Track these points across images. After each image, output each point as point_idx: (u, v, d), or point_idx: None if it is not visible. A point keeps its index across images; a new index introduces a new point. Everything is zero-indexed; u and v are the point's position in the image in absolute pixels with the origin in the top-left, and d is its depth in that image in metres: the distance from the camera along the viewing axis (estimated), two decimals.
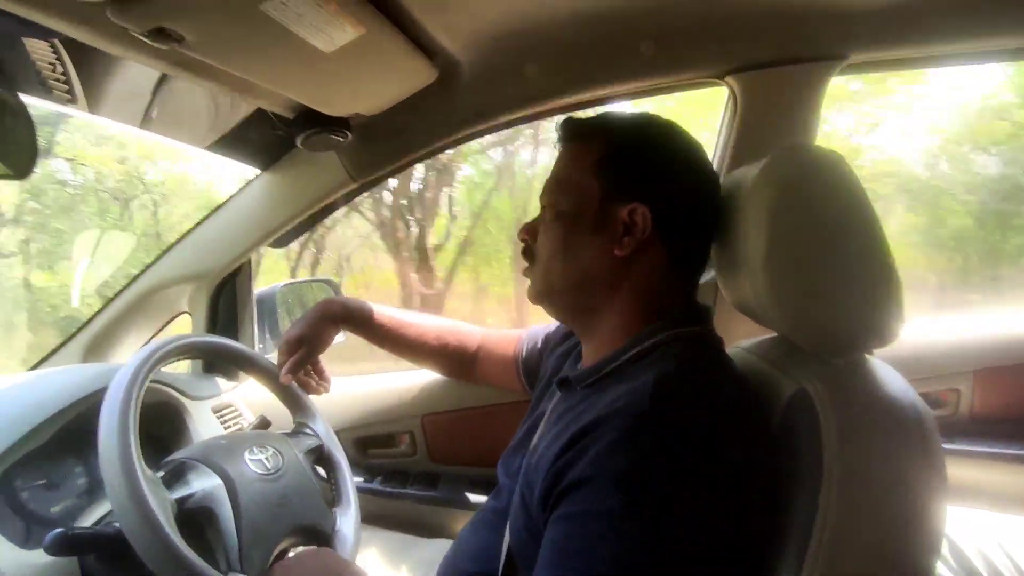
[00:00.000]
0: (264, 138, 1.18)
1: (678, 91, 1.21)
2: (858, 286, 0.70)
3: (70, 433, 0.97)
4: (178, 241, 1.33)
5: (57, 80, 0.92)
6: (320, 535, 0.95)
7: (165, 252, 1.33)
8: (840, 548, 0.63)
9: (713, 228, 0.81)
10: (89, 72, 0.94)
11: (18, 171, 0.75)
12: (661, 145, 0.81)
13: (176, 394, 1.15)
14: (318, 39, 0.80)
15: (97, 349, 1.35)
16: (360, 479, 1.39)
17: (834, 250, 0.70)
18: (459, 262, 5.11)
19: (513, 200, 5.04)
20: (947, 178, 3.99)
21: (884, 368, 0.74)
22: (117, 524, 0.78)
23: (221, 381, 1.33)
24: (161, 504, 0.75)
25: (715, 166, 1.18)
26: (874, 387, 0.70)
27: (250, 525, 0.84)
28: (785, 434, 0.70)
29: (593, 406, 0.71)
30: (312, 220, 1.31)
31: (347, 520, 1.02)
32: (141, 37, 0.71)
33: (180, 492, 0.81)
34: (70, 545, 0.77)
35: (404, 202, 5.05)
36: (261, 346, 1.42)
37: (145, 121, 1.06)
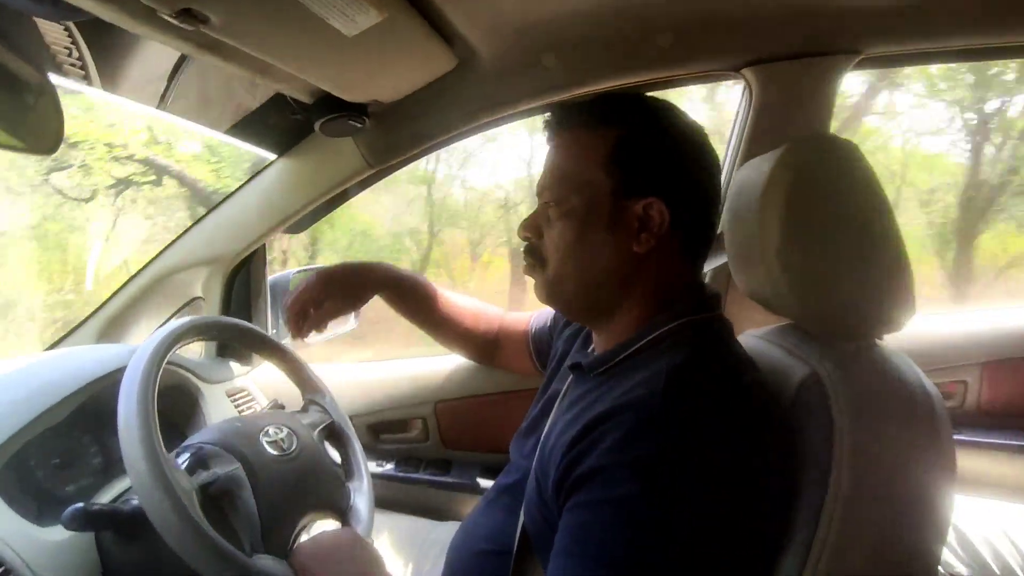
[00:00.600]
0: (281, 123, 1.18)
1: (694, 83, 1.22)
2: (871, 273, 0.71)
3: (86, 412, 0.98)
4: (193, 225, 1.33)
5: (73, 65, 0.92)
6: (336, 511, 0.96)
7: (180, 236, 1.34)
8: (849, 530, 0.64)
9: (718, 211, 0.82)
10: (106, 54, 0.94)
11: (43, 148, 0.76)
12: (672, 133, 0.79)
13: (191, 377, 1.16)
14: (341, 22, 0.80)
15: (111, 331, 1.36)
16: (373, 464, 1.40)
17: (848, 237, 0.71)
18: None
19: None
20: None
21: (895, 353, 0.75)
22: (135, 501, 0.79)
23: (235, 365, 1.34)
24: (184, 490, 0.75)
25: (729, 157, 1.19)
26: (885, 371, 0.72)
27: (270, 506, 0.85)
28: (796, 416, 0.71)
29: (606, 395, 0.72)
30: (328, 206, 1.31)
31: (361, 495, 1.03)
32: (167, 18, 0.71)
33: (202, 478, 0.81)
34: (89, 520, 0.78)
35: None
36: (274, 331, 1.42)
37: (162, 103, 1.06)
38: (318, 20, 0.78)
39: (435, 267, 5.23)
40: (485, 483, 1.34)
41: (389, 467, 1.40)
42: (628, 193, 0.76)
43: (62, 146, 0.76)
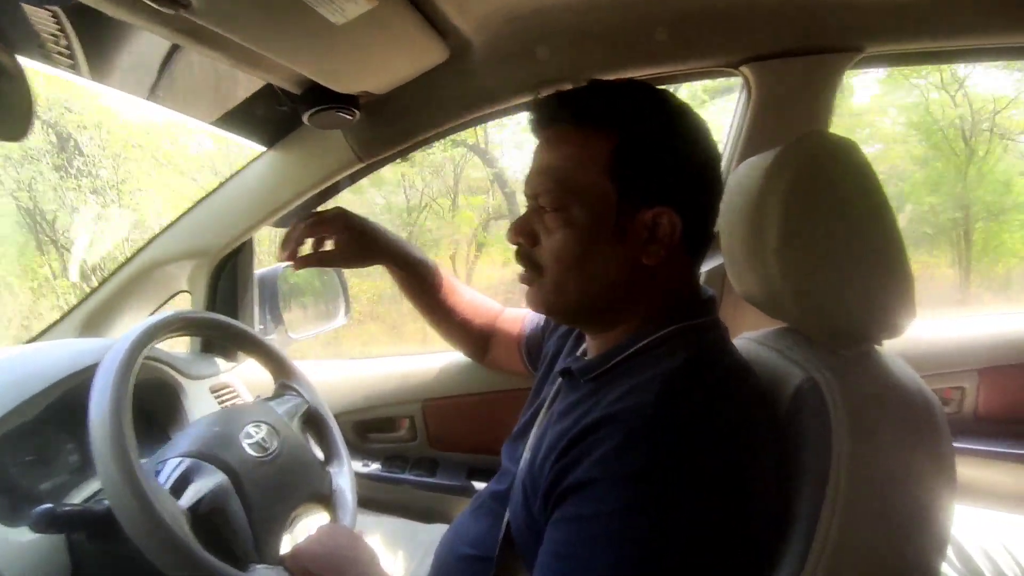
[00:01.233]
0: (270, 115, 1.16)
1: (692, 80, 1.20)
2: (870, 276, 0.70)
3: (62, 408, 0.95)
4: (180, 217, 1.31)
5: (61, 53, 0.90)
6: (321, 498, 0.96)
7: (167, 227, 1.32)
8: (846, 541, 0.62)
9: (717, 213, 0.78)
10: (95, 43, 0.92)
11: (12, 134, 0.73)
12: (677, 133, 0.73)
13: (172, 372, 1.14)
14: (328, 10, 0.78)
15: (93, 325, 1.34)
16: (359, 464, 1.38)
17: (847, 240, 0.69)
18: None
19: None
20: None
21: (893, 359, 0.74)
22: (107, 502, 0.77)
23: (220, 361, 1.32)
24: (172, 515, 0.73)
25: (727, 156, 1.18)
26: (884, 377, 0.70)
27: (260, 512, 0.84)
28: (792, 423, 0.70)
29: (598, 404, 0.70)
30: (317, 200, 1.29)
31: (342, 476, 1.03)
32: (148, 1, 0.69)
33: (189, 499, 0.79)
34: (57, 522, 0.75)
35: None
36: (261, 327, 1.40)
37: (152, 93, 1.04)
38: (304, 7, 0.76)
39: None
40: (472, 484, 1.32)
41: (375, 467, 1.38)
42: (635, 202, 0.71)
43: None
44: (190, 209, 1.31)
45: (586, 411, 0.70)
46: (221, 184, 1.30)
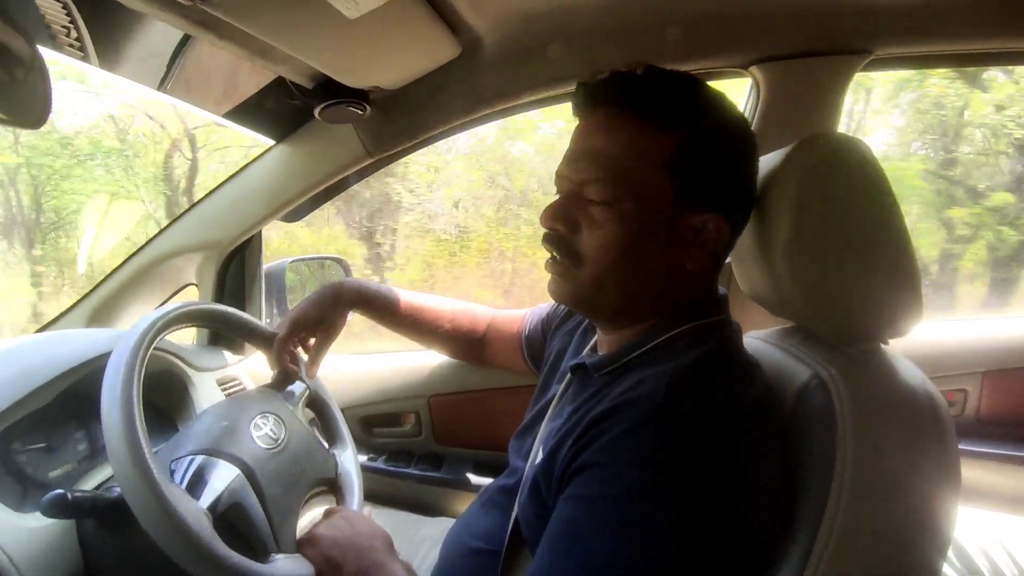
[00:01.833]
0: (281, 108, 1.16)
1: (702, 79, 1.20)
2: (878, 276, 0.69)
3: (72, 397, 0.96)
4: (189, 209, 1.32)
5: (72, 45, 0.91)
6: (328, 482, 0.97)
7: (175, 220, 1.32)
8: (850, 538, 0.63)
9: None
10: (106, 33, 0.92)
11: (30, 121, 0.74)
12: (733, 139, 0.71)
13: (180, 363, 1.14)
14: (343, 3, 0.78)
15: (102, 316, 1.34)
16: (364, 457, 1.39)
17: (856, 239, 0.69)
18: None
19: None
20: None
21: (900, 359, 0.74)
22: (117, 489, 0.77)
23: (227, 354, 1.32)
24: (194, 517, 0.73)
25: None
26: (890, 376, 0.70)
27: (275, 503, 0.84)
28: (798, 421, 0.70)
29: (610, 394, 0.70)
30: (326, 194, 1.29)
31: (346, 456, 1.04)
32: None
33: (208, 499, 0.79)
34: (68, 508, 0.76)
35: None
36: (268, 320, 1.41)
37: (163, 84, 1.04)
38: (320, 0, 0.76)
39: None
40: (476, 480, 1.33)
41: (380, 461, 1.38)
42: (688, 205, 0.69)
43: None
44: (199, 202, 1.32)
45: (598, 402, 0.71)
46: (230, 177, 1.30)
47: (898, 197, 0.72)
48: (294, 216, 1.35)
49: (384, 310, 1.18)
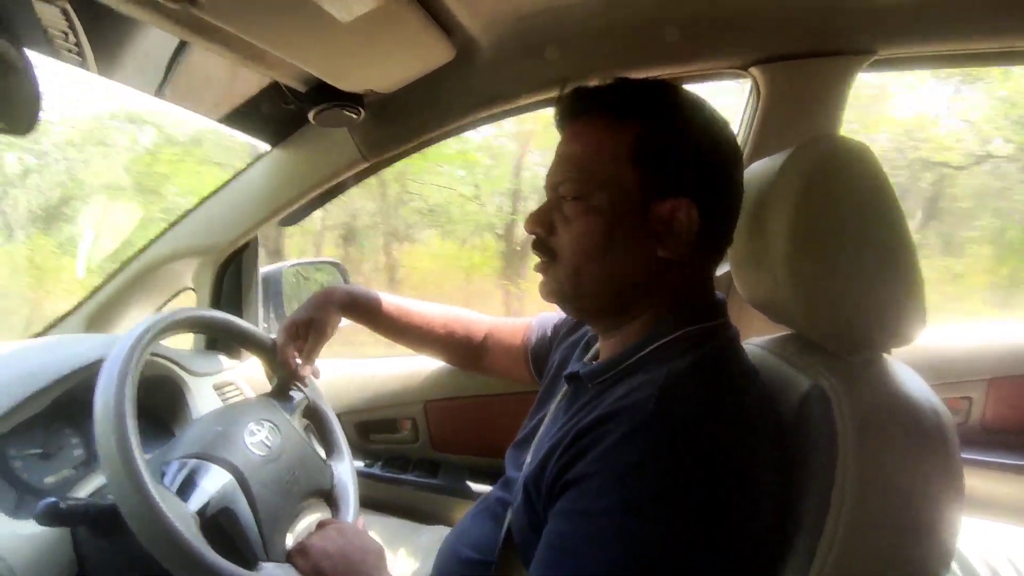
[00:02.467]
0: (276, 113, 1.16)
1: (701, 81, 1.19)
2: (880, 283, 0.68)
3: (68, 403, 0.96)
4: (185, 214, 1.32)
5: (70, 50, 0.91)
6: (324, 493, 0.97)
7: (172, 225, 1.32)
8: (851, 550, 0.61)
9: (739, 213, 0.77)
10: (104, 39, 0.92)
11: (18, 128, 0.74)
12: (703, 129, 0.72)
13: (176, 369, 1.15)
14: (335, 7, 0.78)
15: (100, 321, 1.34)
16: (360, 464, 1.38)
17: (858, 245, 0.68)
18: None
19: None
20: None
21: (902, 367, 0.73)
22: (111, 497, 0.77)
23: (223, 359, 1.32)
24: (182, 519, 0.73)
25: None
26: (892, 385, 0.69)
27: (266, 511, 0.83)
28: (798, 430, 0.69)
29: (603, 402, 0.69)
30: (322, 198, 1.29)
31: (343, 468, 1.03)
32: None
33: (197, 502, 0.79)
34: (62, 515, 0.76)
35: None
36: (265, 325, 1.41)
37: (159, 90, 1.04)
38: (311, 4, 0.76)
39: None
40: (474, 487, 1.32)
41: (376, 467, 1.38)
42: (654, 193, 0.70)
43: None
44: (196, 207, 1.32)
45: (591, 410, 0.70)
46: (226, 182, 1.30)
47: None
48: (290, 220, 1.35)
49: (372, 314, 1.17)
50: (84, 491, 0.95)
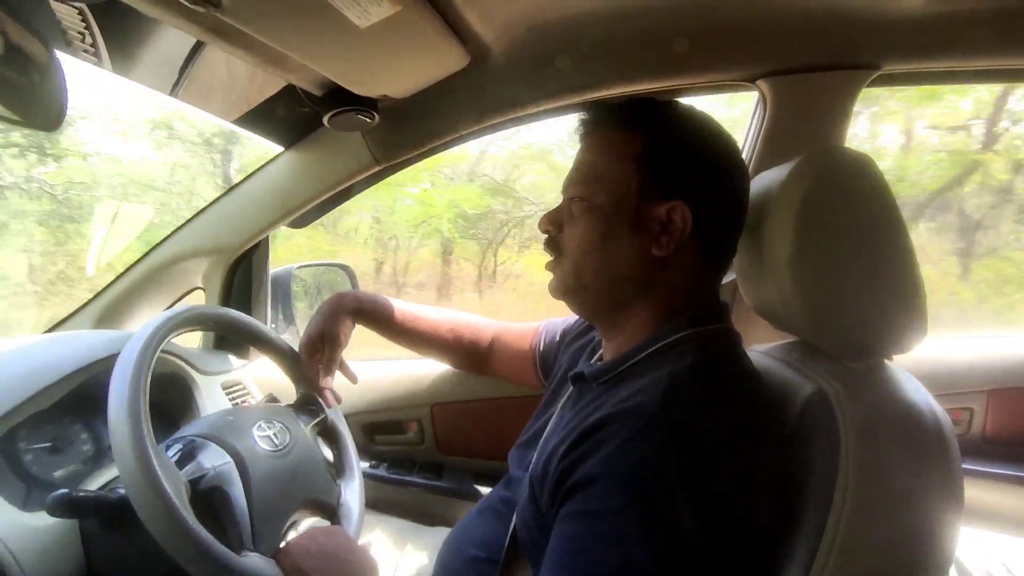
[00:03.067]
0: (290, 115, 1.17)
1: (709, 93, 1.21)
2: (884, 290, 0.70)
3: (78, 398, 0.97)
4: (197, 214, 1.33)
5: (87, 51, 0.92)
6: (327, 508, 0.96)
7: (184, 224, 1.33)
8: (851, 551, 0.62)
9: (743, 225, 0.80)
10: (121, 39, 0.93)
11: (47, 124, 0.75)
12: (704, 140, 0.78)
13: (186, 367, 1.15)
14: (354, 12, 0.79)
15: (109, 318, 1.35)
16: (366, 465, 1.38)
17: (862, 254, 0.70)
18: None
19: None
20: None
21: (904, 374, 0.74)
22: (121, 490, 0.77)
23: (232, 358, 1.33)
24: (174, 483, 0.74)
25: None
26: (894, 391, 0.70)
27: (261, 502, 0.84)
28: (800, 434, 0.70)
29: (607, 403, 0.71)
30: (333, 201, 1.30)
31: (352, 492, 1.02)
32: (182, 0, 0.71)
33: (192, 472, 0.80)
34: (73, 507, 0.77)
35: None
36: (273, 326, 1.41)
37: (174, 90, 1.06)
38: (331, 9, 0.77)
39: None
40: (478, 489, 1.32)
41: (381, 468, 1.38)
42: (653, 195, 0.75)
43: None
44: (208, 207, 1.33)
45: (595, 410, 0.71)
46: (239, 183, 1.32)
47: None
48: (301, 222, 1.36)
49: (383, 320, 1.19)
50: (92, 486, 0.96)
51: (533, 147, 5.51)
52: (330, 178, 1.24)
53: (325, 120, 1.10)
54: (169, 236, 1.34)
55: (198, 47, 0.99)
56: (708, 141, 0.78)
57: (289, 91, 1.10)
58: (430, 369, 1.39)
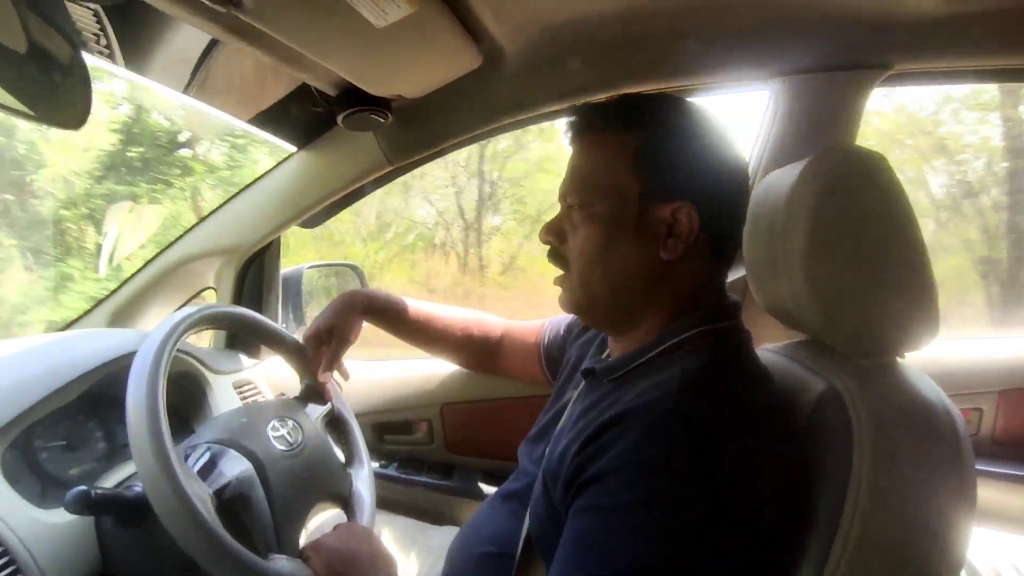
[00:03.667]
0: (304, 115, 1.18)
1: (720, 92, 1.21)
2: (895, 289, 0.69)
3: (93, 397, 0.97)
4: (210, 214, 1.33)
5: (101, 52, 0.93)
6: (340, 498, 0.97)
7: (196, 224, 1.34)
8: (865, 547, 0.62)
9: (746, 215, 0.79)
10: (135, 37, 0.94)
11: (70, 123, 0.76)
12: (701, 135, 0.76)
13: (199, 366, 1.15)
14: (371, 12, 0.80)
15: (122, 317, 1.36)
16: (376, 464, 1.38)
17: (874, 252, 0.69)
18: None
19: None
20: None
21: (915, 372, 0.73)
22: (138, 487, 0.78)
23: (243, 357, 1.33)
24: (200, 497, 0.74)
25: (752, 167, 1.18)
26: (906, 389, 0.70)
27: (282, 503, 0.84)
28: (813, 432, 0.70)
29: (620, 399, 0.71)
30: (344, 201, 1.31)
31: (362, 479, 1.03)
32: None
33: (216, 483, 0.80)
34: (91, 504, 0.77)
35: None
36: (284, 325, 1.42)
37: (188, 88, 1.06)
38: (349, 9, 0.78)
39: None
40: (488, 490, 1.32)
41: (391, 468, 1.39)
42: (656, 197, 0.73)
43: None
44: (220, 207, 1.33)
45: (608, 406, 0.71)
46: (251, 183, 1.32)
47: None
48: (312, 222, 1.36)
49: (393, 318, 1.20)
50: (107, 484, 0.96)
51: None
52: (342, 178, 1.25)
53: (339, 120, 1.10)
54: (181, 236, 1.35)
55: (212, 46, 1.00)
56: (705, 136, 0.76)
57: (303, 91, 1.11)
58: (440, 369, 1.39)
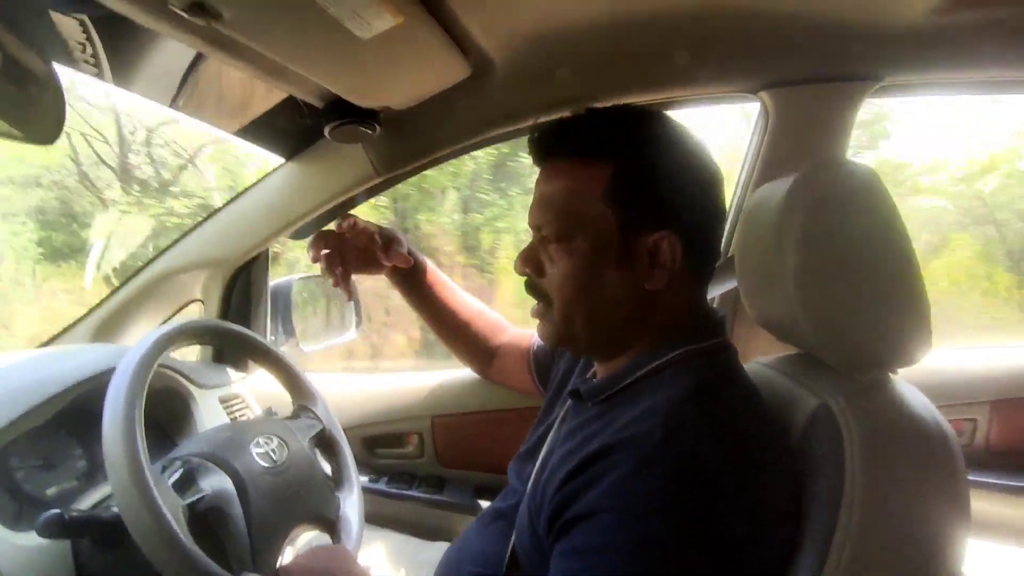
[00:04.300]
0: (291, 127, 1.17)
1: (709, 104, 1.21)
2: (887, 303, 0.69)
3: (72, 414, 0.95)
4: (196, 226, 1.32)
5: (87, 62, 0.92)
6: (326, 522, 0.94)
7: (182, 236, 1.32)
8: (858, 566, 0.61)
9: (723, 229, 0.79)
10: (121, 51, 0.93)
11: (43, 138, 0.75)
12: (673, 153, 0.74)
13: (183, 381, 1.14)
14: (355, 24, 0.79)
15: (106, 331, 1.34)
16: (366, 478, 1.37)
17: (866, 266, 0.69)
18: None
19: None
20: None
21: (908, 387, 0.73)
22: (115, 509, 0.76)
23: (230, 371, 1.32)
24: (169, 504, 0.73)
25: (743, 181, 1.18)
26: (899, 405, 0.70)
27: (260, 522, 0.82)
28: (805, 448, 0.70)
29: (605, 428, 0.69)
30: (333, 213, 1.29)
31: (351, 504, 1.01)
32: (178, 11, 0.70)
33: (190, 496, 0.78)
34: (65, 527, 0.75)
35: None
36: (273, 338, 1.40)
37: (175, 101, 1.05)
38: (332, 21, 0.77)
39: None
40: (479, 503, 1.31)
41: (382, 483, 1.37)
42: (636, 228, 0.72)
43: None
44: (206, 219, 1.32)
45: (592, 435, 0.70)
46: (238, 195, 1.31)
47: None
48: (301, 234, 1.35)
49: (419, 279, 1.19)
50: (87, 503, 0.94)
51: None
52: (331, 190, 1.24)
53: (326, 132, 1.09)
54: (167, 248, 1.33)
55: (198, 59, 0.99)
56: (683, 159, 0.74)
57: (290, 103, 1.09)
58: (430, 381, 1.39)
